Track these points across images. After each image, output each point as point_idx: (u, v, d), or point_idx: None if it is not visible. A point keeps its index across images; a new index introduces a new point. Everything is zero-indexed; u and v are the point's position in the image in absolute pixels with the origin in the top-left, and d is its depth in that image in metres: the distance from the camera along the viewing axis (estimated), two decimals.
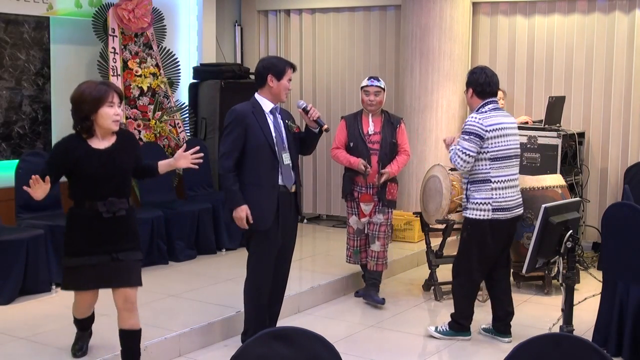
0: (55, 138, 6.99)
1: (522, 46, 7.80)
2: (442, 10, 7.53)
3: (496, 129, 4.93)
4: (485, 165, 4.92)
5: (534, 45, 7.74)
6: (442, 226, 6.29)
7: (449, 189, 6.00)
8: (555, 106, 7.04)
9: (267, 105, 4.73)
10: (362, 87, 5.89)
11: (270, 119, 4.72)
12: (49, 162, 4.03)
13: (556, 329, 4.81)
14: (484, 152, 4.91)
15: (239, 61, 8.97)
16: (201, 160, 4.33)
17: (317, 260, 6.73)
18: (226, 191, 4.68)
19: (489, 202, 4.92)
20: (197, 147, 4.34)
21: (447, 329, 5.24)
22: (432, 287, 6.22)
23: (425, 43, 7.58)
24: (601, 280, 5.11)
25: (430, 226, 6.37)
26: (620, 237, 4.73)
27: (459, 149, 4.92)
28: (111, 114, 3.94)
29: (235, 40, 9.09)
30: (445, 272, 6.71)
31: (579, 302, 5.25)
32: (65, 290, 4.21)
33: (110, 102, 3.94)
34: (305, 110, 4.79)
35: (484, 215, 4.94)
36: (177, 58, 7.70)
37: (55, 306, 5.45)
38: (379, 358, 4.94)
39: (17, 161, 6.29)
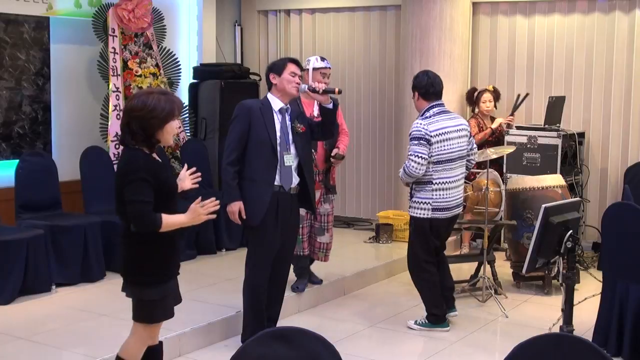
0: (55, 138, 7.00)
1: (522, 46, 7.80)
2: (442, 11, 7.53)
3: (440, 133, 5.12)
4: (429, 168, 5.13)
5: (534, 45, 7.74)
6: None
7: None
8: (555, 106, 7.04)
9: (276, 104, 4.74)
10: (316, 68, 5.55)
11: (277, 118, 4.72)
12: (146, 191, 3.45)
13: (556, 329, 4.81)
14: (430, 155, 5.12)
15: (239, 61, 8.98)
16: (199, 179, 3.89)
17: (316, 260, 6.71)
18: (224, 185, 4.70)
19: (429, 202, 5.17)
20: (194, 169, 3.93)
21: (425, 321, 5.41)
22: None
23: (425, 43, 7.57)
24: (601, 280, 5.11)
25: None
26: (620, 237, 4.73)
27: (411, 154, 5.09)
28: (175, 128, 3.57)
29: (235, 40, 9.09)
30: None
31: (579, 302, 5.25)
32: (155, 323, 3.68)
33: (177, 114, 3.57)
34: (311, 89, 4.75)
35: (424, 214, 5.19)
36: (177, 58, 7.70)
37: (55, 306, 5.46)
38: (379, 358, 4.94)
39: (17, 161, 6.28)
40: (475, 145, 5.47)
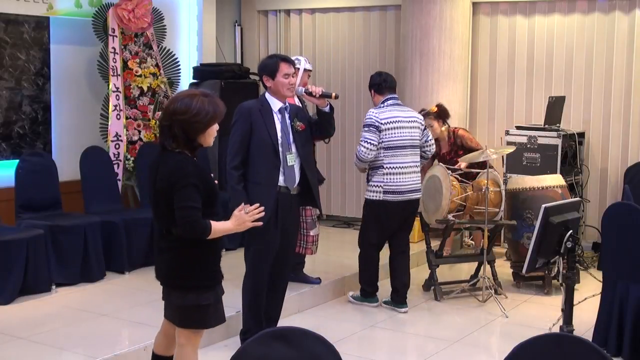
0: (55, 138, 7.00)
1: (522, 46, 7.80)
2: (442, 11, 7.53)
3: (390, 121, 5.60)
4: (380, 153, 5.58)
5: (534, 45, 7.74)
6: (442, 226, 6.29)
7: (449, 189, 6.00)
8: (555, 106, 7.03)
9: (275, 104, 4.72)
10: (305, 70, 5.77)
11: (277, 118, 4.70)
12: (196, 197, 3.38)
13: (556, 329, 4.81)
14: (380, 142, 5.57)
15: (239, 61, 8.97)
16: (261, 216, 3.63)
17: (317, 260, 6.73)
18: (230, 189, 4.68)
19: (381, 185, 5.61)
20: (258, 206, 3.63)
21: (359, 295, 5.97)
22: (432, 287, 6.22)
23: (425, 43, 7.58)
24: (601, 280, 5.11)
25: (430, 226, 6.38)
26: (620, 237, 4.73)
27: (362, 140, 5.59)
28: (215, 131, 3.50)
29: (235, 40, 9.09)
30: (445, 272, 6.72)
31: (579, 302, 5.25)
32: (210, 327, 3.63)
33: (220, 118, 3.50)
34: (308, 92, 4.75)
35: (376, 197, 5.63)
36: (177, 58, 7.70)
37: (55, 306, 5.45)
38: (379, 358, 4.94)
39: (17, 161, 6.29)
40: (430, 137, 5.85)
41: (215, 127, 3.49)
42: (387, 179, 5.58)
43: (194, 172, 3.40)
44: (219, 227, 3.46)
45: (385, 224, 5.70)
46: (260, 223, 3.59)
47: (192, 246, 3.46)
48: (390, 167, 5.58)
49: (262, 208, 3.55)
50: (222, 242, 3.62)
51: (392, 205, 5.61)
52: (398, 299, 5.82)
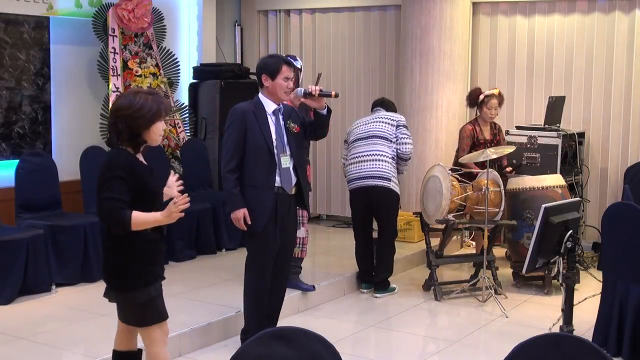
0: (55, 138, 7.00)
1: (522, 46, 7.80)
2: (442, 10, 7.53)
3: (352, 128, 6.31)
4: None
5: (534, 45, 7.74)
6: (442, 226, 6.29)
7: (449, 189, 6.00)
8: (555, 106, 7.03)
9: (269, 105, 4.68)
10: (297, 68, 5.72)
11: (271, 120, 4.66)
12: (120, 189, 3.35)
13: (556, 329, 4.81)
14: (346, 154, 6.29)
15: (239, 61, 8.98)
16: (182, 187, 3.76)
17: (317, 260, 6.73)
18: (226, 193, 4.66)
19: (346, 177, 6.26)
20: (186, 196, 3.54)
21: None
22: (432, 287, 6.22)
23: (425, 43, 7.57)
24: (601, 280, 5.11)
25: (430, 226, 6.38)
26: (620, 237, 4.73)
27: None
28: (161, 129, 3.52)
29: (235, 40, 9.09)
30: (445, 272, 6.72)
31: (579, 302, 5.25)
32: (153, 324, 3.59)
33: (164, 115, 3.52)
34: (307, 94, 4.68)
35: (348, 187, 6.26)
36: (177, 58, 7.70)
37: (55, 306, 5.46)
38: (379, 358, 4.94)
39: (17, 161, 6.28)
40: (403, 138, 6.09)
41: (161, 125, 3.50)
42: (347, 170, 6.21)
43: (124, 164, 3.40)
44: (144, 218, 3.40)
45: (355, 211, 6.26)
46: (182, 214, 3.45)
47: (127, 245, 3.46)
48: (348, 159, 6.22)
49: (188, 198, 3.45)
50: (162, 240, 3.60)
51: (354, 193, 6.17)
52: (377, 286, 6.28)
